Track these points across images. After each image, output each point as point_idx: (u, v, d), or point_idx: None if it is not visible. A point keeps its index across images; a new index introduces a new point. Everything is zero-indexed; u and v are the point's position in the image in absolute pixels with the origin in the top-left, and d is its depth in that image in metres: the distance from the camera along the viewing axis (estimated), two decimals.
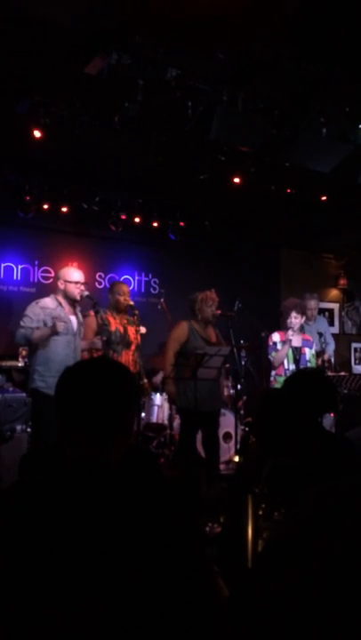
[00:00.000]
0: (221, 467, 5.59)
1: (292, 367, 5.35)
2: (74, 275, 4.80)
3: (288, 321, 5.40)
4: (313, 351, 5.60)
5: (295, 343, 5.45)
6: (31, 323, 4.57)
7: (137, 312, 5.20)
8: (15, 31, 3.69)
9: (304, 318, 5.60)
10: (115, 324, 5.16)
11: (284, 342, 5.37)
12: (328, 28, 3.66)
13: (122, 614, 1.11)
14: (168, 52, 3.90)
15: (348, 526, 0.74)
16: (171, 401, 5.67)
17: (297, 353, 5.42)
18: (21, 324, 4.60)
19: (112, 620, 1.10)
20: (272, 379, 5.49)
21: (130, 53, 3.78)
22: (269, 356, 5.47)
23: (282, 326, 5.60)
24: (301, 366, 5.38)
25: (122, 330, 5.19)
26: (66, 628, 1.11)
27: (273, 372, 5.48)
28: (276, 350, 5.39)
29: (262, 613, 0.77)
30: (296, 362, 5.39)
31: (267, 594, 0.77)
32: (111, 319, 5.15)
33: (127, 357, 5.16)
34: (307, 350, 5.51)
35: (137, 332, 5.20)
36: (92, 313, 5.00)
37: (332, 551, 0.73)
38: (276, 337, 5.45)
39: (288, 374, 5.29)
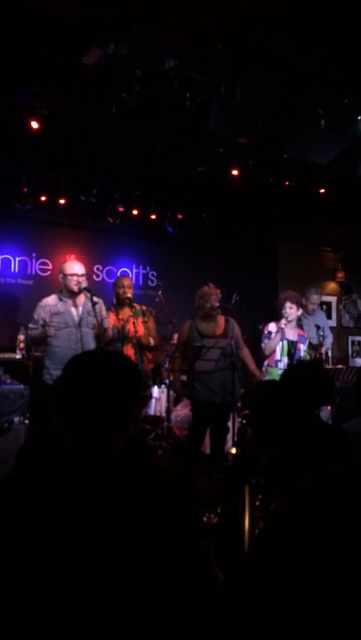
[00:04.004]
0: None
1: (285, 360, 5.32)
2: (71, 267, 4.80)
3: (283, 311, 5.41)
4: (306, 347, 5.57)
5: (291, 337, 5.41)
6: (35, 324, 4.77)
7: (145, 308, 5.42)
8: (12, 21, 3.67)
9: (300, 311, 5.58)
10: (114, 320, 5.19)
11: (277, 331, 5.36)
12: (326, 19, 3.64)
13: (119, 603, 1.11)
14: (166, 43, 3.88)
15: (343, 512, 0.74)
16: (177, 396, 5.73)
17: (292, 347, 5.39)
18: (29, 326, 4.87)
19: (109, 608, 1.11)
20: (263, 369, 5.46)
21: (127, 44, 3.76)
22: (262, 344, 5.47)
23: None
24: (295, 361, 5.34)
25: (119, 325, 5.22)
26: (64, 616, 1.11)
27: (265, 363, 5.46)
28: (270, 338, 5.39)
29: (255, 599, 0.77)
30: (291, 356, 5.34)
31: (260, 580, 0.78)
32: (112, 315, 5.19)
33: (126, 353, 5.16)
34: (301, 346, 5.49)
35: (144, 322, 5.26)
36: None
37: (326, 537, 0.73)
38: (272, 326, 5.45)
39: (280, 367, 5.29)
